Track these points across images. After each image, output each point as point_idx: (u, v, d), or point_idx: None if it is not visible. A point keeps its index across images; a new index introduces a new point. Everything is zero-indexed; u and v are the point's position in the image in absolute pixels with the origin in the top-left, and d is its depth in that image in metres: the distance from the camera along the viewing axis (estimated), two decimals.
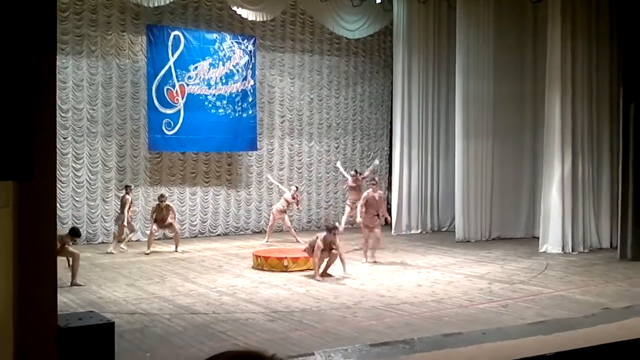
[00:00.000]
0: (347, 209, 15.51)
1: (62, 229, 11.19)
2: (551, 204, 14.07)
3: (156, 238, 14.11)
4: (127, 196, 13.74)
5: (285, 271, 11.66)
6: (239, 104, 16.20)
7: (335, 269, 11.43)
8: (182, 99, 15.55)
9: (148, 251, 13.56)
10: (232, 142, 16.28)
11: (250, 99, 16.36)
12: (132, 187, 14.53)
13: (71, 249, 10.50)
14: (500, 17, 15.74)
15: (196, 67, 15.71)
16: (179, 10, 15.74)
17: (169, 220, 13.97)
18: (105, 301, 9.47)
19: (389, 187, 17.95)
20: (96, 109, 14.94)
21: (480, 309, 9.14)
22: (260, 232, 16.47)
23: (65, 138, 14.50)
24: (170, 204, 14.41)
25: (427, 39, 17.08)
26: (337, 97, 18.18)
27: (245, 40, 16.32)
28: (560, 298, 9.83)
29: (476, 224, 15.67)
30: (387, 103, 18.66)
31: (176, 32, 15.45)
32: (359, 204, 13.07)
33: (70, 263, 10.52)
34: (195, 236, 16.03)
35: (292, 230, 15.40)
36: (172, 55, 15.37)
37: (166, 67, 15.33)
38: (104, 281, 10.84)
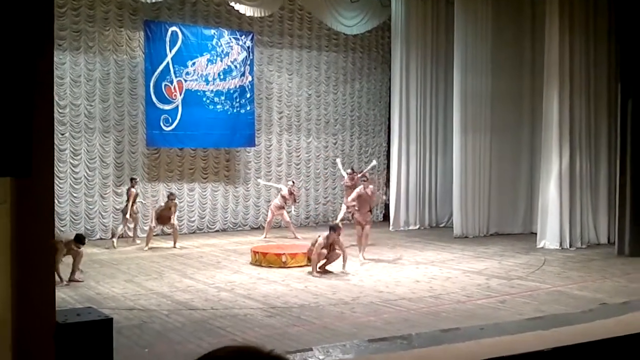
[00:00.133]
0: (344, 207, 15.51)
1: (68, 234, 11.22)
2: (549, 200, 14.09)
3: (154, 234, 14.11)
4: (132, 189, 13.82)
5: (284, 267, 11.67)
6: (237, 100, 16.19)
7: (334, 265, 11.44)
8: (180, 95, 15.53)
9: (146, 247, 13.57)
10: (230, 138, 16.27)
11: (248, 95, 16.35)
12: (137, 179, 14.56)
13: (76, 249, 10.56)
14: (499, 13, 15.75)
15: (194, 63, 15.69)
16: (177, 5, 15.72)
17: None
18: (104, 297, 9.48)
19: (387, 183, 17.95)
20: (94, 105, 14.92)
21: (478, 304, 9.16)
22: (258, 228, 16.48)
23: (62, 134, 14.48)
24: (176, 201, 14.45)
25: (425, 34, 17.09)
26: (335, 93, 18.18)
27: (243, 36, 16.30)
28: (558, 294, 9.84)
29: (474, 220, 15.69)
30: (385, 99, 18.66)
31: (174, 28, 15.43)
32: (351, 197, 13.07)
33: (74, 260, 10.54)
34: (194, 232, 16.03)
35: (292, 226, 15.41)
36: (170, 51, 15.36)
37: (164, 63, 15.31)
38: (102, 277, 10.84)
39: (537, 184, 15.13)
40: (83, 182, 14.88)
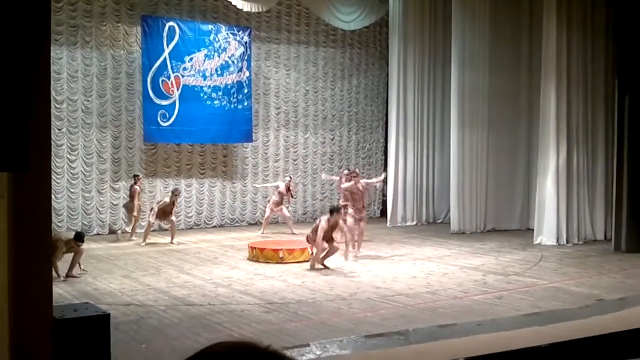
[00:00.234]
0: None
1: (68, 233, 11.23)
2: (546, 196, 14.10)
3: (152, 230, 14.10)
4: (136, 186, 13.83)
5: (281, 263, 11.67)
6: (235, 96, 16.17)
7: (331, 260, 11.45)
8: (178, 90, 15.51)
9: (144, 243, 13.57)
10: (228, 134, 16.25)
11: (245, 91, 16.33)
12: (141, 176, 14.55)
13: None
14: (496, 9, 15.74)
15: (191, 59, 15.67)
16: (174, 1, 15.68)
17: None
18: (101, 292, 9.48)
19: (384, 179, 17.93)
20: (91, 100, 14.89)
21: (475, 300, 9.18)
22: (255, 224, 16.48)
23: (59, 129, 14.45)
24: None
25: (423, 30, 17.07)
26: (333, 89, 18.16)
27: (241, 32, 16.28)
28: (555, 290, 9.86)
29: (471, 216, 15.71)
30: (383, 95, 18.65)
31: (171, 23, 15.40)
32: (343, 187, 13.06)
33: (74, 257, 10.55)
34: (191, 228, 16.02)
35: (290, 221, 15.41)
36: (167, 47, 15.33)
37: (161, 58, 15.28)
38: (100, 273, 10.83)
39: (534, 180, 15.14)
40: (80, 178, 14.86)
